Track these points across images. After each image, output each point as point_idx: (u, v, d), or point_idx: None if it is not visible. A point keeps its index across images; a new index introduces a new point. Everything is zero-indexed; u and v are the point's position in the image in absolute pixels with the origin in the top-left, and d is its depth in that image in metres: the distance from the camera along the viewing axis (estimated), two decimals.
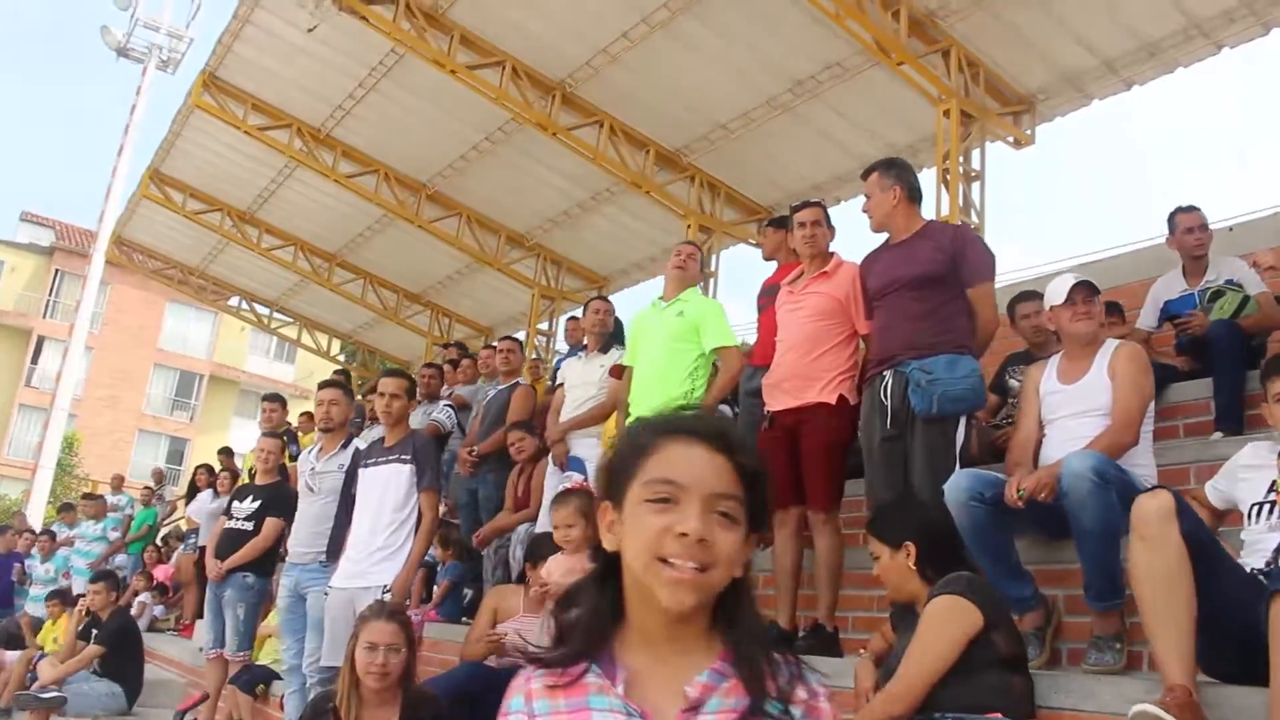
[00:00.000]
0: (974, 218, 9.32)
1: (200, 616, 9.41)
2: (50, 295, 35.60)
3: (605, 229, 13.59)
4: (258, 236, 15.34)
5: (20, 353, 34.72)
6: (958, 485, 3.62)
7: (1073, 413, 3.80)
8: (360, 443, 5.75)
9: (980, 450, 5.11)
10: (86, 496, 13.77)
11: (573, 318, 9.95)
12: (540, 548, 4.76)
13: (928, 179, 9.85)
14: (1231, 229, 6.28)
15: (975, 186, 9.39)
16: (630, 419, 5.12)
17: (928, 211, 4.88)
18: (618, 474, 1.33)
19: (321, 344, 19.15)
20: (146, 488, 14.37)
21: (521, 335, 14.04)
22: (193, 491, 11.44)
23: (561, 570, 4.09)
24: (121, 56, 23.19)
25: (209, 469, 11.19)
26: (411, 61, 10.75)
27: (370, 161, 13.02)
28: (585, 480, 6.01)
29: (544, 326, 14.88)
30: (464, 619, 6.58)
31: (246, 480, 7.84)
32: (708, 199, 11.90)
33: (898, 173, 4.52)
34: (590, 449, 6.19)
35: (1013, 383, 5.42)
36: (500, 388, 7.57)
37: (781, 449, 4.61)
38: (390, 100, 11.70)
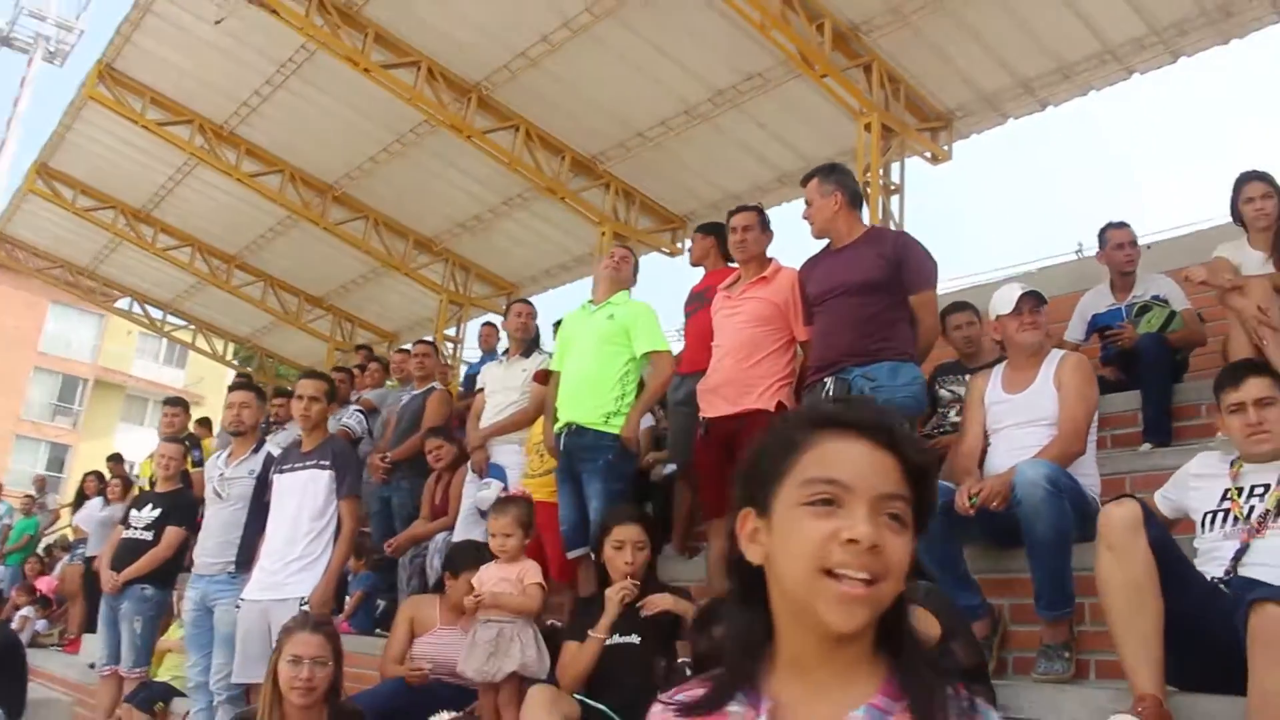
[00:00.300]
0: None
1: (88, 630, 8.96)
2: None
3: (516, 235, 13.40)
4: (153, 236, 14.72)
5: None
6: None
7: (1018, 422, 3.81)
8: (273, 447, 5.49)
9: None
10: None
11: (487, 323, 9.80)
12: (460, 557, 4.59)
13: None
14: (1150, 247, 6.42)
15: (895, 200, 9.48)
16: (559, 424, 4.98)
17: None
18: (763, 475, 1.17)
19: (217, 348, 18.52)
20: (27, 496, 13.71)
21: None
22: (80, 499, 10.91)
23: (494, 580, 3.93)
24: (3, 45, 22.20)
25: (99, 476, 10.68)
26: (323, 59, 10.43)
27: (275, 161, 12.61)
28: (505, 488, 5.86)
29: (451, 332, 14.60)
30: (377, 630, 6.34)
31: (145, 488, 7.45)
32: (622, 207, 11.82)
33: (838, 178, 4.48)
34: (512, 456, 6.03)
35: (943, 392, 5.43)
36: (415, 392, 7.36)
37: (718, 456, 4.55)
38: (299, 98, 11.33)
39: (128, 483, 9.99)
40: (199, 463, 7.54)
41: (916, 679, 1.12)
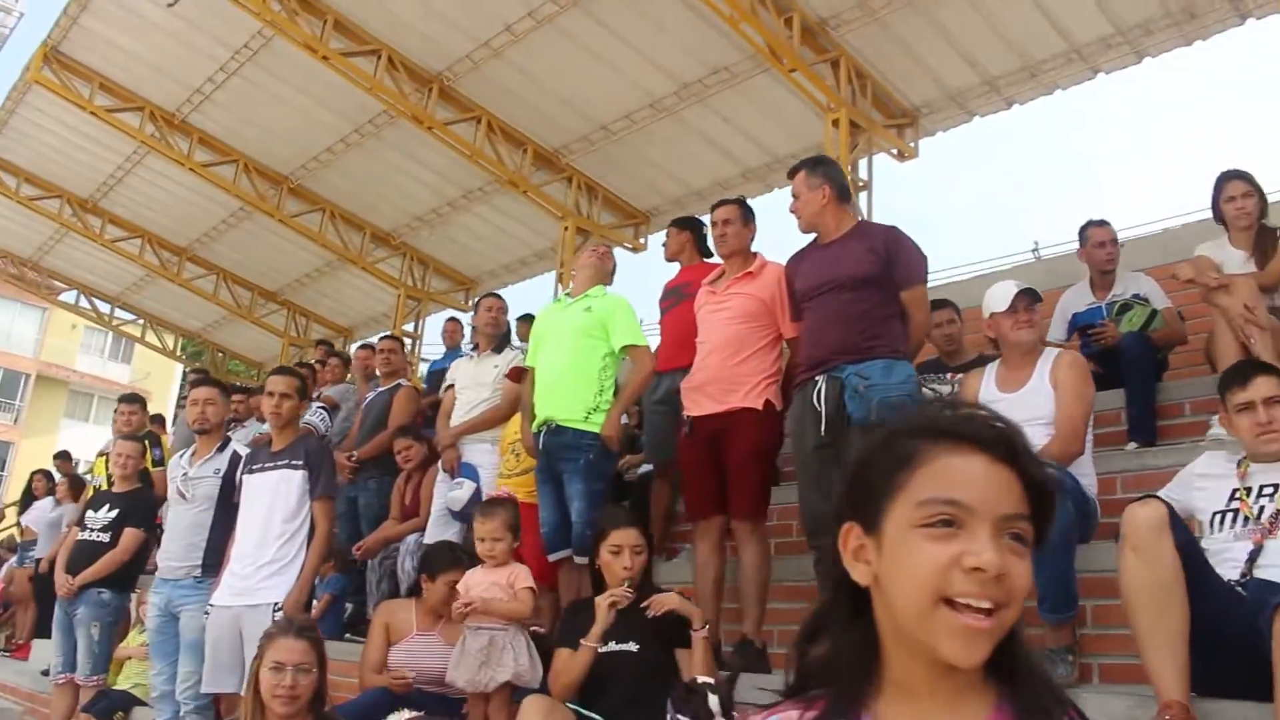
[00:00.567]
0: None
1: (38, 635, 8.68)
2: None
3: (476, 229, 13.23)
4: (100, 227, 14.34)
5: None
6: None
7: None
8: (239, 446, 5.30)
9: None
10: None
11: (452, 319, 9.62)
12: (438, 559, 4.44)
13: None
14: (1121, 245, 6.42)
15: (863, 196, 9.43)
16: (536, 421, 4.85)
17: None
18: (870, 490, 1.09)
19: (167, 343, 18.11)
20: None
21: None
22: (28, 499, 10.56)
23: (483, 585, 3.80)
24: None
25: (47, 474, 10.35)
26: (280, 45, 10.19)
27: (229, 150, 12.33)
28: (478, 488, 5.72)
29: (409, 328, 14.38)
30: (346, 635, 6.16)
31: (104, 487, 7.19)
32: (585, 201, 11.69)
33: (825, 170, 4.39)
34: (485, 455, 5.87)
35: (925, 392, 5.36)
36: (380, 389, 7.19)
37: (703, 456, 4.44)
38: (254, 86, 11.06)
39: (77, 482, 9.69)
40: (159, 461, 7.29)
41: (1033, 707, 1.06)
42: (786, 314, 4.45)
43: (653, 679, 3.42)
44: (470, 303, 14.31)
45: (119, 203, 14.10)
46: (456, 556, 4.36)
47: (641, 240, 12.15)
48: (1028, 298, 3.96)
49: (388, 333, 10.45)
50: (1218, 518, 3.02)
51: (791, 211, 4.45)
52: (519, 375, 5.64)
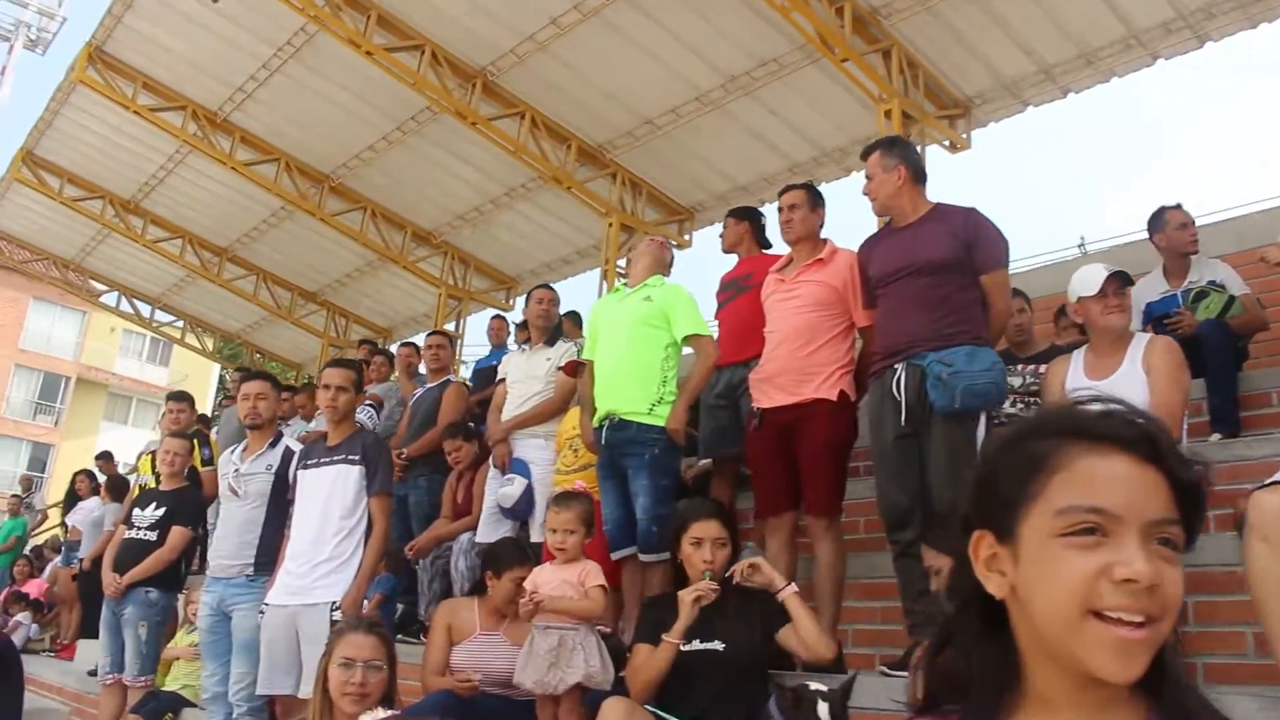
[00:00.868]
0: None
1: (83, 635, 8.62)
2: None
3: (518, 227, 13.10)
4: (142, 228, 14.35)
5: None
6: None
7: None
8: (291, 442, 5.16)
9: None
10: None
11: (497, 317, 9.49)
12: (504, 555, 4.24)
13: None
14: None
15: None
16: (597, 415, 4.69)
17: (866, 212, 4.60)
18: (1003, 498, 1.01)
19: (206, 345, 18.13)
20: (14, 496, 13.29)
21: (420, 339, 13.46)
22: (71, 499, 10.53)
23: (555, 582, 3.62)
24: None
25: (90, 475, 10.31)
26: (322, 42, 10.12)
27: (271, 149, 12.26)
28: (530, 484, 5.57)
29: (450, 327, 14.27)
30: (397, 636, 6.02)
31: (146, 486, 7.11)
32: (629, 197, 11.53)
33: (901, 151, 4.21)
34: (536, 450, 5.72)
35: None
36: (429, 386, 7.06)
37: (774, 450, 4.27)
38: (296, 83, 10.99)
39: (118, 482, 9.63)
40: (208, 461, 7.18)
41: None
42: (859, 301, 4.27)
43: (740, 680, 3.24)
44: (511, 302, 14.22)
45: (160, 203, 14.09)
46: (523, 553, 4.20)
47: (686, 237, 11.98)
48: (1118, 280, 3.76)
49: (432, 330, 10.32)
50: None
51: (865, 194, 4.27)
52: (574, 370, 5.50)
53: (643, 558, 4.46)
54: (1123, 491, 0.95)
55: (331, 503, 4.45)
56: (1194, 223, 5.43)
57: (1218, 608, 3.18)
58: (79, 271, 16.52)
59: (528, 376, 5.90)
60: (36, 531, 13.88)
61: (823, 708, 2.65)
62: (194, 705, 5.84)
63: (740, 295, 5.31)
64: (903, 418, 3.82)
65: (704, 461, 5.83)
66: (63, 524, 11.35)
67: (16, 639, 8.95)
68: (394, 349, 9.11)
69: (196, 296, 16.49)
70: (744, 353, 5.09)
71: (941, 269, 3.91)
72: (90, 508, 9.57)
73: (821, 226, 4.62)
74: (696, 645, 3.30)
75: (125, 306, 17.29)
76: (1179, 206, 5.48)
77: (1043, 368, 4.85)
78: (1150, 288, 5.51)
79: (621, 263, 11.63)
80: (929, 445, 3.77)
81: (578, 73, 10.01)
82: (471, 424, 6.70)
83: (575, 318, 8.47)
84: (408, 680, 4.45)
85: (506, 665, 3.84)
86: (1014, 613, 1.01)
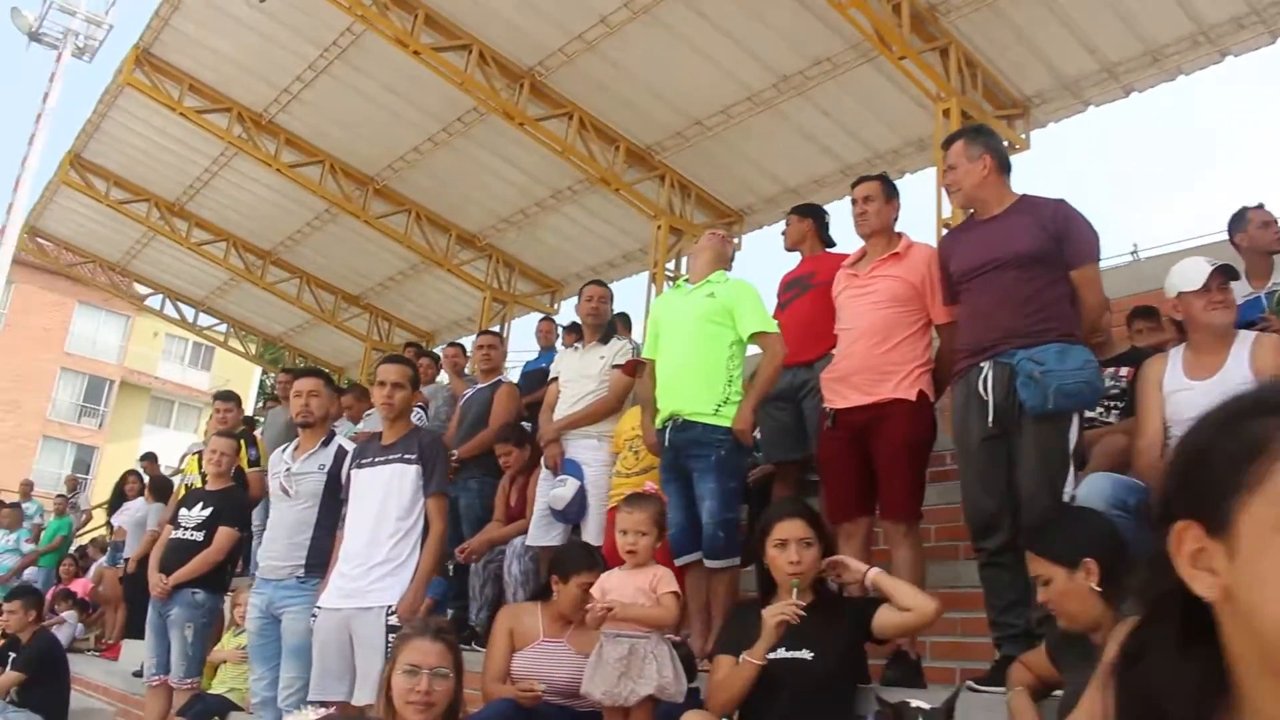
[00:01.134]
0: None
1: (128, 635, 8.55)
2: None
3: (564, 230, 12.96)
4: (187, 230, 14.35)
5: None
6: (1100, 491, 3.12)
7: None
8: (344, 440, 5.03)
9: None
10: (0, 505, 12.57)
11: (546, 319, 9.36)
12: (572, 559, 4.04)
13: (927, 179, 9.50)
14: None
15: None
16: (660, 416, 4.52)
17: (926, 214, 4.41)
18: (1215, 484, 0.86)
19: (249, 349, 18.15)
20: (60, 496, 13.30)
21: (468, 341, 13.35)
22: (118, 500, 10.50)
23: (625, 588, 3.44)
24: (34, 41, 21.85)
25: (139, 476, 10.27)
26: (368, 42, 10.04)
27: (315, 151, 12.21)
28: (583, 486, 5.41)
29: (495, 330, 14.14)
30: None
31: (193, 485, 7.02)
32: (678, 199, 11.35)
33: (986, 140, 4.01)
34: (590, 451, 5.56)
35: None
36: (480, 386, 6.92)
37: (847, 452, 4.08)
38: (342, 84, 10.91)
39: (161, 483, 9.57)
40: (255, 461, 7.09)
41: None
42: (938, 297, 4.08)
43: (827, 691, 3.05)
44: (556, 306, 14.10)
45: (205, 206, 14.09)
46: (591, 557, 4.02)
47: (735, 240, 11.78)
48: (1223, 275, 3.54)
49: (482, 330, 10.21)
50: None
51: (946, 186, 4.09)
52: (632, 370, 5.34)
53: (708, 564, 4.28)
54: None
55: (387, 503, 4.30)
56: (1276, 222, 5.19)
57: None
58: (124, 275, 16.59)
59: (581, 375, 5.74)
60: (81, 531, 13.91)
61: None
62: (240, 709, 5.73)
63: (804, 294, 5.15)
64: (990, 418, 3.62)
65: (763, 466, 5.66)
66: (108, 524, 11.35)
67: (61, 635, 8.90)
68: (438, 351, 9.01)
69: (240, 300, 16.50)
70: (807, 353, 4.93)
71: (1030, 262, 3.71)
72: (135, 508, 9.52)
73: (896, 219, 4.44)
74: (783, 653, 3.10)
75: (169, 310, 17.32)
76: (1261, 206, 5.27)
77: (1123, 370, 4.64)
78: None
79: (671, 265, 11.48)
80: (1018, 447, 3.57)
81: (627, 72, 9.86)
82: (524, 425, 6.56)
83: (625, 319, 8.31)
84: (466, 689, 4.31)
85: (570, 674, 3.67)
86: (1226, 619, 0.87)
